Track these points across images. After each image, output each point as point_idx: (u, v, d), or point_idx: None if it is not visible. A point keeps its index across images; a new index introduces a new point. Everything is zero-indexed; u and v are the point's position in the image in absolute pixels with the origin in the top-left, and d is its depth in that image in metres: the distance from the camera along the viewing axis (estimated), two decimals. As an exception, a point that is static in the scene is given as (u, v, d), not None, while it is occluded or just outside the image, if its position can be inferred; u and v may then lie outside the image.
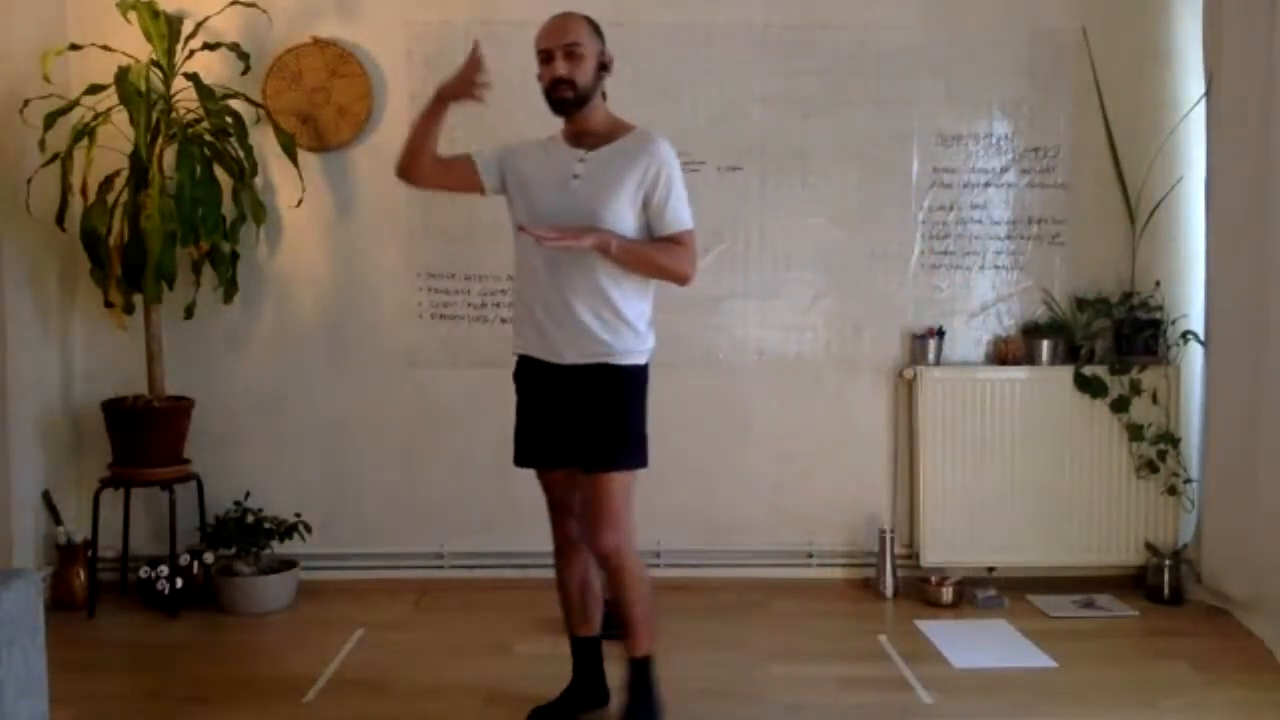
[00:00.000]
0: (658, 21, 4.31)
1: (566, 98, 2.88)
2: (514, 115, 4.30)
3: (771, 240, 4.38)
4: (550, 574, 4.28)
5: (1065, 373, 4.28)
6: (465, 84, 2.92)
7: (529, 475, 4.34)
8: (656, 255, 2.92)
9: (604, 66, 2.96)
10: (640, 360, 2.97)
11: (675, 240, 2.95)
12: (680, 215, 2.96)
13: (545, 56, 2.90)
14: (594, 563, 3.05)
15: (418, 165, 3.00)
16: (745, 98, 4.35)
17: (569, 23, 2.91)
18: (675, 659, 3.56)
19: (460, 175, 3.05)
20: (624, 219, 2.88)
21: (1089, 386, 4.26)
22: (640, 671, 3.03)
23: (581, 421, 2.92)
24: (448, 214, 4.34)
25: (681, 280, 2.99)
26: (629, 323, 2.91)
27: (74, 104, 3.93)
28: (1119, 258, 4.37)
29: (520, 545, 4.40)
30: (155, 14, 3.98)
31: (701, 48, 4.33)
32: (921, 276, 4.41)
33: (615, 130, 2.97)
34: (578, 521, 3.02)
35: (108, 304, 4.07)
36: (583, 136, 2.95)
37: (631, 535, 2.97)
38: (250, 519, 4.10)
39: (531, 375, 3.00)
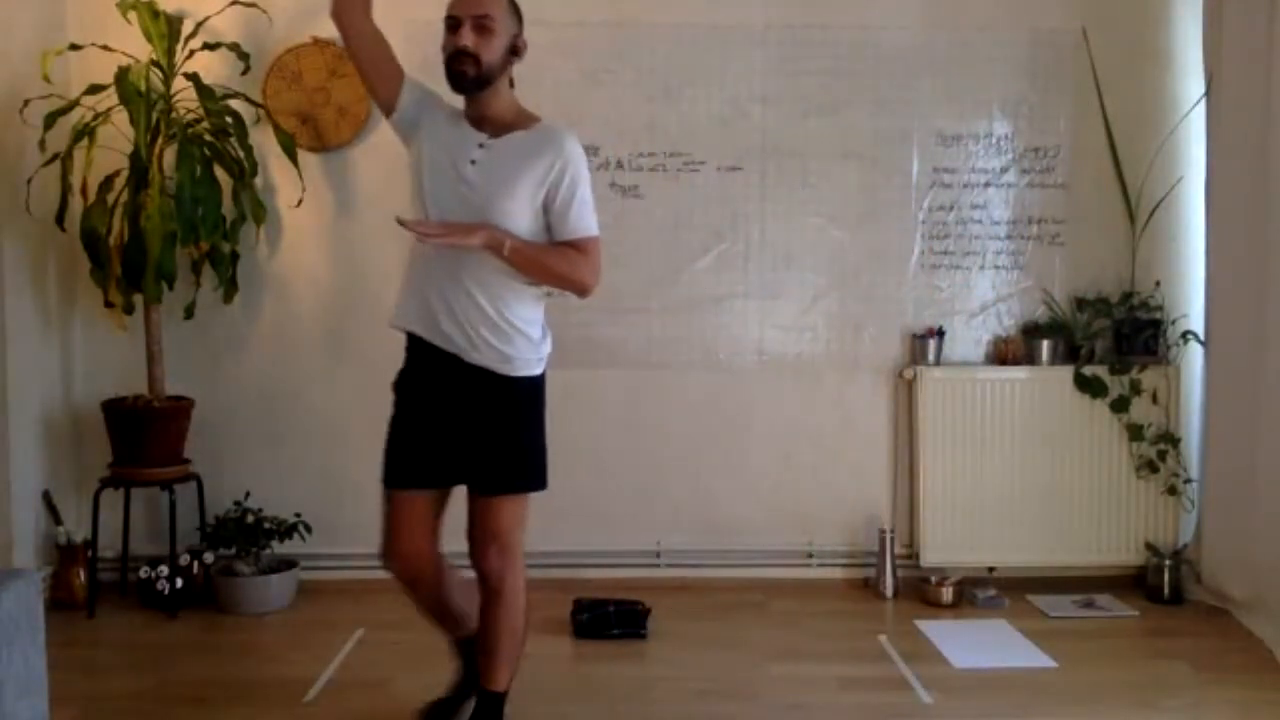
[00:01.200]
0: (658, 21, 4.31)
1: (466, 73, 2.64)
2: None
3: (771, 240, 4.38)
4: (549, 574, 4.32)
5: (1065, 373, 4.28)
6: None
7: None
8: (553, 261, 2.67)
9: (515, 51, 2.74)
10: (536, 371, 2.74)
11: (576, 247, 2.69)
12: (585, 220, 2.70)
13: (452, 23, 2.66)
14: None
15: (353, 9, 2.75)
16: (745, 98, 4.35)
17: None
18: (675, 659, 3.57)
19: (384, 70, 2.77)
20: (518, 218, 2.65)
21: (1089, 386, 4.26)
22: (492, 707, 2.84)
23: (474, 436, 2.71)
24: (448, 214, 4.34)
25: (580, 291, 2.72)
26: (521, 330, 2.70)
27: (74, 104, 3.93)
28: (1119, 258, 4.37)
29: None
30: (155, 14, 3.98)
31: (701, 48, 4.33)
32: (921, 276, 4.41)
33: (520, 120, 2.75)
34: (468, 540, 2.80)
35: (108, 304, 4.07)
36: (483, 122, 2.72)
37: (520, 561, 2.78)
38: (250, 519, 4.10)
39: (421, 366, 2.74)
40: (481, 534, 2.76)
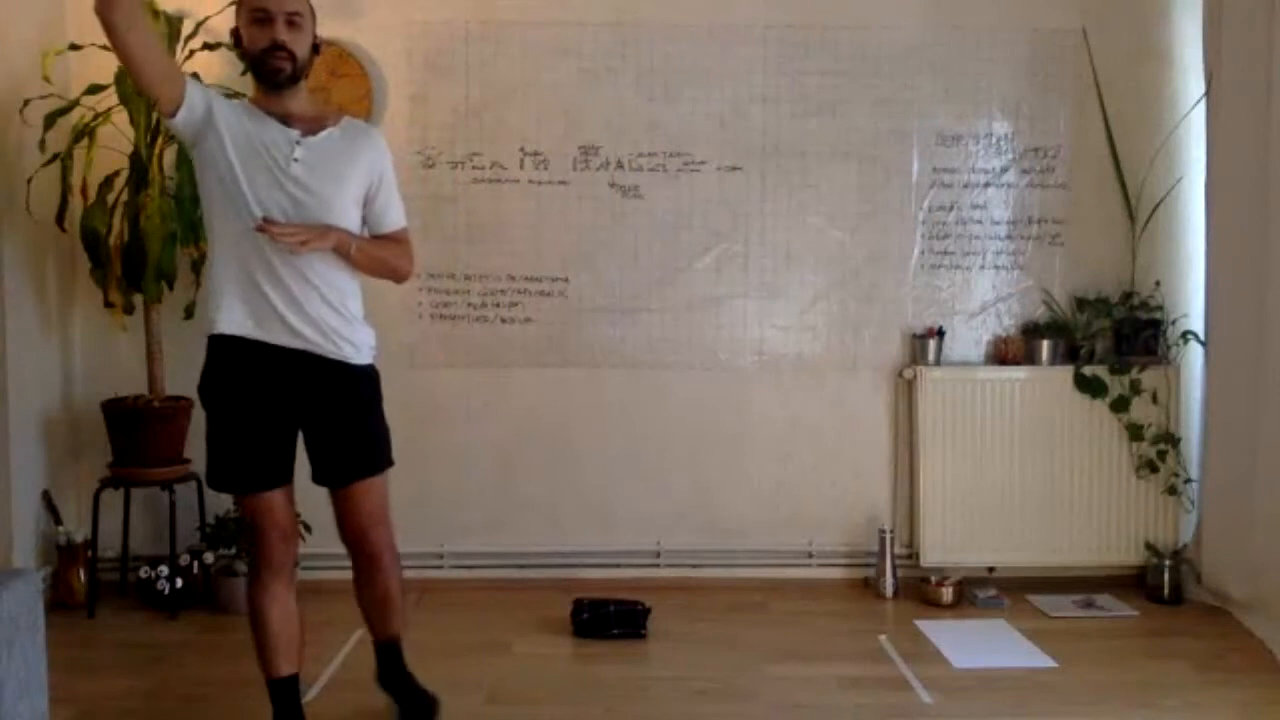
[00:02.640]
0: (658, 21, 4.31)
1: (283, 68, 2.66)
2: (509, 114, 4.32)
3: (771, 240, 4.38)
4: (549, 574, 4.33)
5: (1065, 373, 4.28)
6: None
7: (529, 475, 4.39)
8: (386, 254, 2.83)
9: (317, 49, 2.78)
10: (372, 359, 2.86)
11: (395, 239, 2.87)
12: (399, 212, 2.89)
13: (262, 17, 2.65)
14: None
15: (121, 5, 2.53)
16: (745, 98, 4.35)
17: None
18: (675, 659, 3.57)
19: (162, 67, 2.61)
20: (351, 214, 2.74)
21: (1089, 386, 4.26)
22: (400, 653, 3.05)
23: (339, 427, 2.78)
24: (447, 214, 4.34)
25: (403, 279, 2.95)
26: (360, 320, 2.81)
27: (74, 104, 3.93)
28: (1119, 258, 4.37)
29: (520, 545, 4.41)
30: (155, 14, 3.98)
31: (701, 48, 4.33)
32: (921, 276, 4.41)
33: (323, 116, 2.80)
34: (341, 530, 2.88)
35: (108, 304, 4.07)
36: (290, 119, 2.71)
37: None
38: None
39: (250, 368, 2.69)
40: (367, 517, 2.87)
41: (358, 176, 2.75)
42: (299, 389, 2.73)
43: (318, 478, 2.84)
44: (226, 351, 2.70)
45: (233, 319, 2.68)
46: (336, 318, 2.73)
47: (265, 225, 2.59)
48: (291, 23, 2.67)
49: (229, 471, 2.74)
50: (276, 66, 2.66)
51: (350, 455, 2.82)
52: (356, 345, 2.78)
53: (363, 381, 2.83)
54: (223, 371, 2.72)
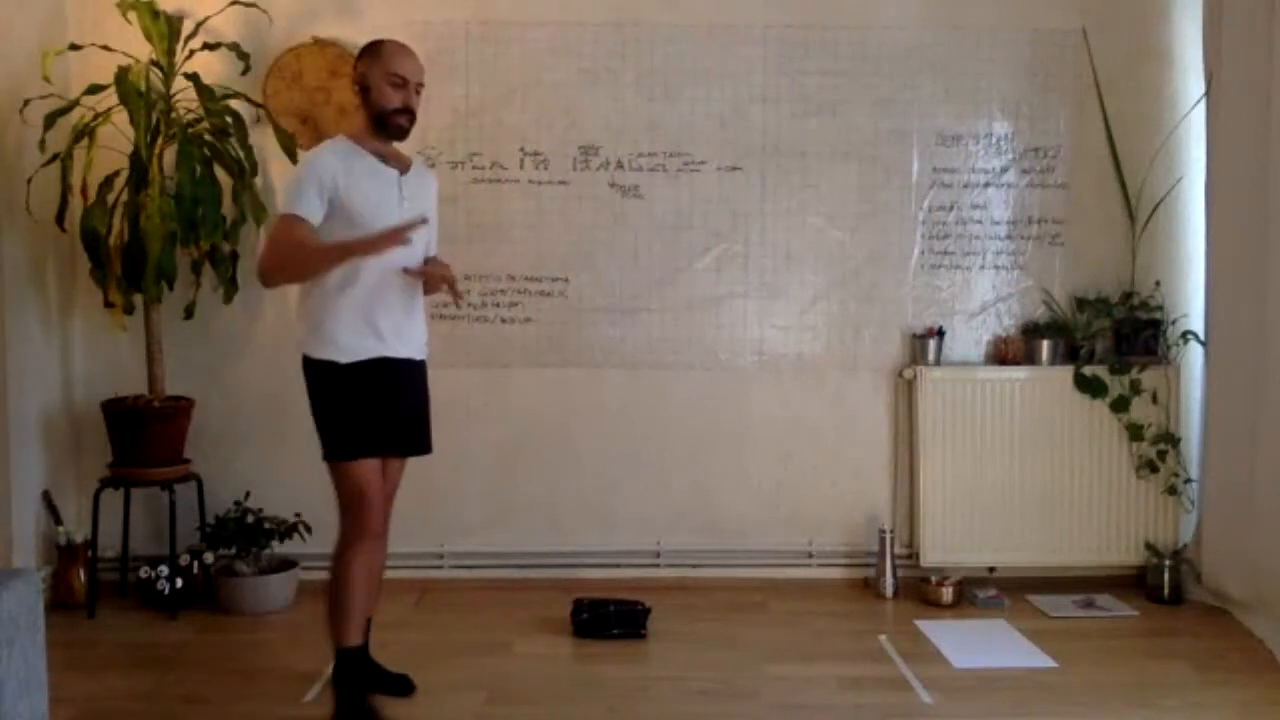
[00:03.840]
0: (658, 21, 4.32)
1: (405, 128, 3.11)
2: (509, 114, 4.33)
3: (771, 240, 4.38)
4: (549, 574, 4.33)
5: (1065, 373, 4.28)
6: (381, 245, 2.94)
7: (529, 475, 4.39)
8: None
9: None
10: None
11: (438, 258, 3.37)
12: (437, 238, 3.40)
13: (399, 82, 3.08)
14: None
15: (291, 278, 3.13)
16: (745, 98, 4.35)
17: (420, 63, 3.15)
18: (675, 659, 3.57)
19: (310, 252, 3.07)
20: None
21: (1089, 386, 4.26)
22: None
23: (418, 411, 3.25)
24: (448, 214, 4.32)
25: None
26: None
27: (74, 104, 3.94)
28: (1119, 258, 4.37)
29: (520, 545, 4.41)
30: (155, 14, 3.99)
31: (701, 48, 4.33)
32: (921, 276, 4.41)
33: (402, 155, 3.22)
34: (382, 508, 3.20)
35: (108, 304, 4.07)
36: (387, 158, 3.14)
37: None
38: (250, 519, 4.10)
39: (380, 375, 3.09)
40: (394, 489, 3.28)
41: (431, 210, 3.23)
42: (403, 384, 3.16)
43: (378, 450, 3.12)
44: (352, 371, 3.06)
45: (359, 349, 3.06)
46: (423, 332, 3.25)
47: (439, 274, 3.20)
48: (418, 90, 3.13)
49: (350, 439, 3.06)
50: (401, 125, 3.11)
51: (418, 435, 3.27)
52: (426, 348, 3.28)
53: (425, 371, 3.30)
54: (349, 382, 3.06)
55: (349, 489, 3.08)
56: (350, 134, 3.14)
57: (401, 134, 3.12)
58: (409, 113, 3.10)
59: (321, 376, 3.08)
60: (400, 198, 3.09)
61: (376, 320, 3.07)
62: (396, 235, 2.92)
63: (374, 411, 3.08)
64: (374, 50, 3.12)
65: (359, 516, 3.08)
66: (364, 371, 3.06)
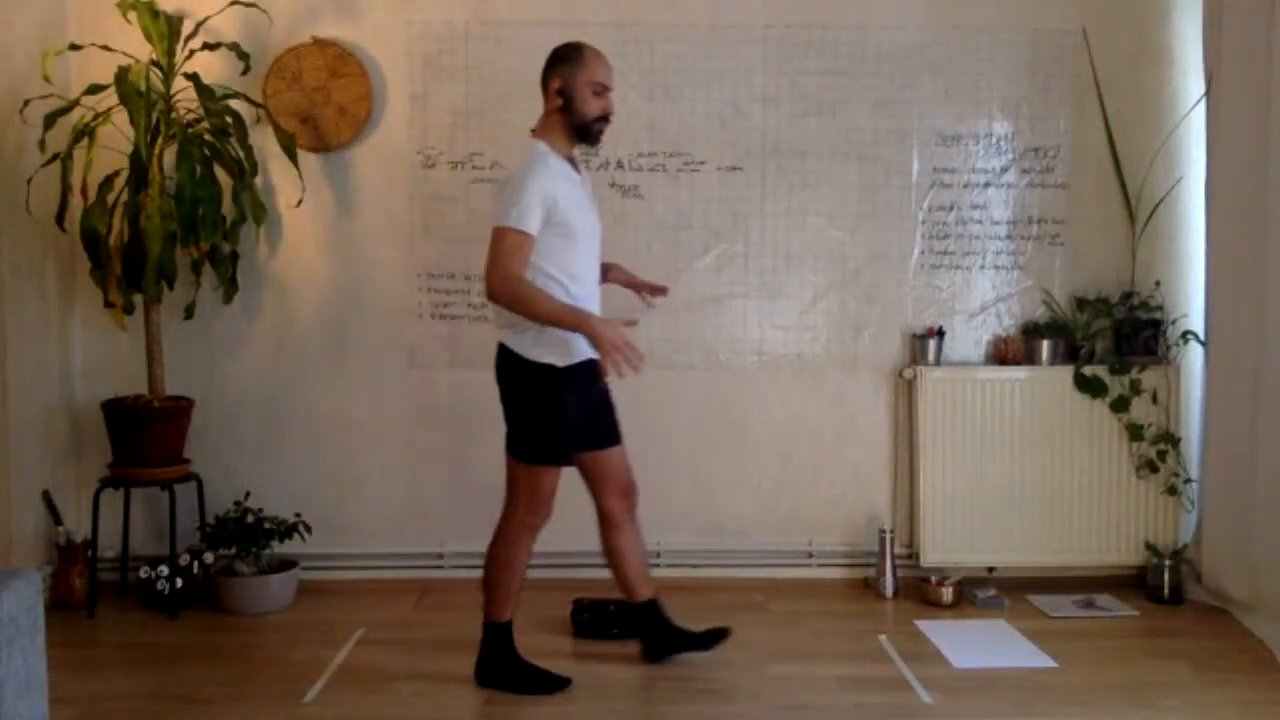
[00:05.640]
0: (658, 21, 4.32)
1: (602, 133, 3.24)
2: (509, 115, 4.32)
3: (771, 240, 4.38)
4: (549, 574, 4.32)
5: (1065, 373, 4.28)
6: (614, 348, 3.05)
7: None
8: None
9: None
10: None
11: None
12: None
13: (600, 90, 3.19)
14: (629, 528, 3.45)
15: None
16: (745, 98, 4.35)
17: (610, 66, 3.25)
18: (676, 659, 3.57)
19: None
20: None
21: (1089, 386, 4.26)
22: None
23: (609, 401, 3.40)
24: (448, 214, 4.34)
25: None
26: None
27: (74, 104, 3.93)
28: (1119, 258, 4.37)
29: (520, 545, 4.40)
30: (155, 14, 3.98)
31: (701, 48, 4.33)
32: (921, 276, 4.41)
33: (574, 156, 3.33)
34: (605, 490, 3.40)
35: (108, 304, 4.07)
36: (573, 162, 3.27)
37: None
38: (250, 519, 4.10)
39: (585, 375, 3.18)
40: (629, 473, 3.45)
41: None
42: (599, 381, 3.22)
43: (593, 444, 3.32)
44: (567, 374, 3.17)
45: (579, 349, 3.14)
46: None
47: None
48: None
49: (552, 444, 3.22)
50: (601, 131, 3.24)
51: (615, 422, 3.44)
52: None
53: None
54: (564, 385, 3.17)
55: (534, 488, 3.21)
56: (546, 139, 3.21)
57: (599, 140, 3.26)
58: (608, 119, 3.23)
59: (537, 379, 3.16)
60: (591, 203, 3.26)
61: None
62: (627, 355, 3.04)
63: (578, 414, 3.22)
64: (573, 57, 3.19)
65: (534, 511, 3.23)
66: (576, 373, 3.17)
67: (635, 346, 3.04)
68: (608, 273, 3.45)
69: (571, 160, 3.25)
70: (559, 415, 3.18)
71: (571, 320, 3.05)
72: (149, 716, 3.16)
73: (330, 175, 4.33)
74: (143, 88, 3.86)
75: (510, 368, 3.19)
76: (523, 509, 3.24)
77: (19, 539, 3.93)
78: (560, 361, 3.15)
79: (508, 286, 3.05)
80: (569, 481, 4.38)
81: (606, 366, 3.03)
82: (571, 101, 3.16)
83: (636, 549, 3.48)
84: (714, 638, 3.51)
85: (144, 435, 4.00)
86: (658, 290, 3.45)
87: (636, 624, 3.54)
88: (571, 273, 3.15)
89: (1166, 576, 4.16)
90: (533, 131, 3.29)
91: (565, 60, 3.19)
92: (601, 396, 3.34)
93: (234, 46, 4.09)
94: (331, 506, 4.36)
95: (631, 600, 3.50)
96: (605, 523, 3.46)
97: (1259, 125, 3.85)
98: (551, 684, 3.29)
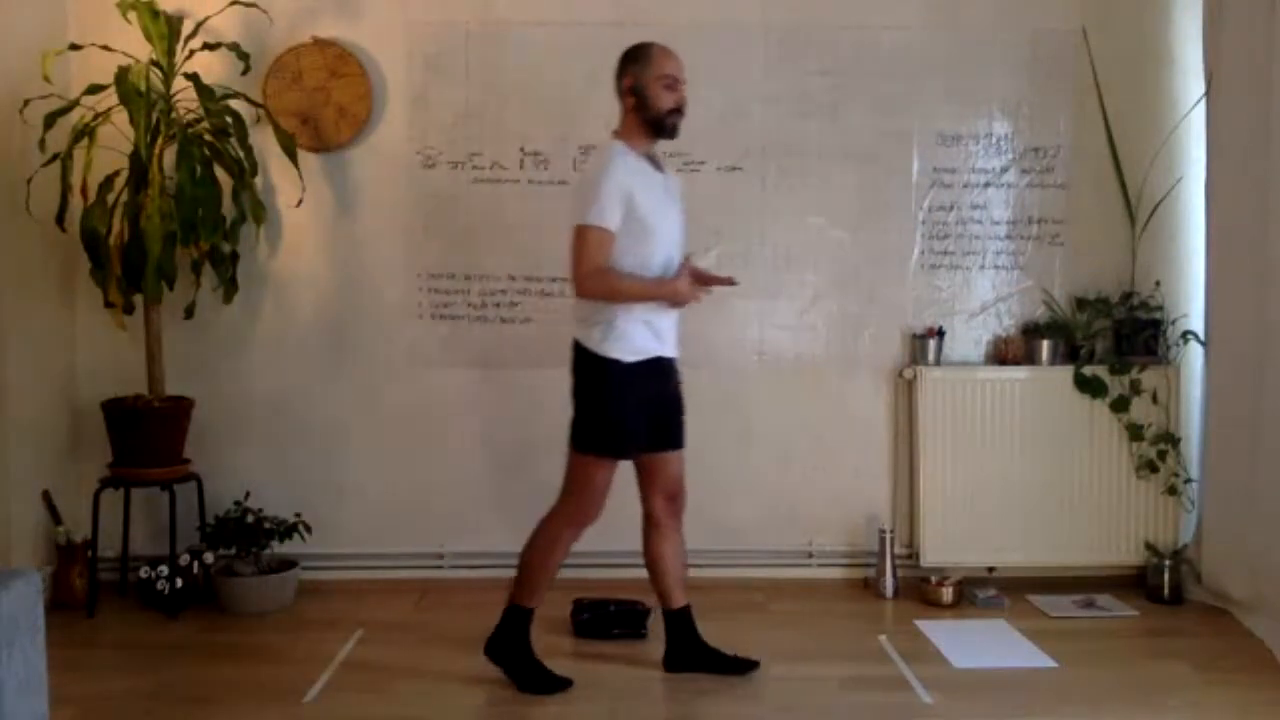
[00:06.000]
0: (658, 21, 4.30)
1: (678, 126, 3.25)
2: (509, 115, 4.33)
3: (771, 240, 4.38)
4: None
5: (1065, 373, 4.28)
6: (691, 296, 3.23)
7: (529, 475, 4.37)
8: None
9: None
10: None
11: None
12: None
13: (671, 83, 3.21)
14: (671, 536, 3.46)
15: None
16: (745, 98, 4.35)
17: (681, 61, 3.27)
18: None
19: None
20: None
21: (1089, 386, 4.26)
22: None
23: (679, 405, 3.42)
24: (448, 214, 4.34)
25: None
26: None
27: (74, 104, 3.93)
28: (1119, 258, 4.37)
29: (520, 545, 4.39)
30: (155, 14, 3.98)
31: (702, 48, 4.32)
32: (921, 276, 4.41)
33: (657, 155, 3.33)
34: (671, 497, 3.43)
35: (108, 304, 4.07)
36: (653, 159, 3.28)
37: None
38: (250, 519, 4.10)
39: (654, 373, 3.26)
40: (681, 478, 3.45)
41: (681, 208, 3.38)
42: (669, 381, 3.37)
43: (657, 445, 3.35)
44: (634, 369, 3.21)
45: (646, 346, 3.21)
46: (677, 331, 3.36)
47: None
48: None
49: (614, 437, 3.24)
50: (676, 125, 3.25)
51: (682, 426, 3.45)
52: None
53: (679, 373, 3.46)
54: (629, 380, 3.21)
55: (588, 479, 3.24)
56: (623, 139, 3.24)
57: (675, 133, 3.26)
58: (682, 111, 3.24)
59: (603, 372, 3.20)
60: (671, 199, 3.28)
61: (656, 320, 3.23)
62: (708, 284, 3.24)
63: (643, 411, 3.25)
64: (641, 56, 3.24)
65: (585, 506, 3.27)
66: (643, 370, 3.21)
67: (704, 285, 3.26)
68: (679, 270, 3.42)
69: (651, 158, 3.28)
70: (620, 408, 3.22)
71: (657, 292, 3.19)
72: (149, 716, 3.16)
73: (330, 175, 4.33)
74: (143, 88, 3.86)
75: (581, 362, 3.25)
76: (573, 502, 3.28)
77: (19, 539, 3.93)
78: (627, 357, 3.19)
79: (596, 280, 3.14)
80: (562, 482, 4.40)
81: (689, 301, 3.22)
82: (644, 98, 3.20)
83: (676, 556, 3.48)
84: (743, 665, 3.45)
85: (144, 435, 4.00)
86: (726, 281, 3.44)
87: (667, 631, 3.51)
88: (649, 268, 3.21)
89: (1166, 576, 4.16)
90: (614, 133, 3.30)
91: (635, 59, 3.24)
92: (673, 398, 3.39)
93: (234, 46, 4.09)
94: (331, 506, 4.36)
95: (664, 606, 3.49)
96: (649, 524, 3.46)
97: (1259, 125, 3.85)
98: (552, 684, 3.30)
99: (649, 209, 3.17)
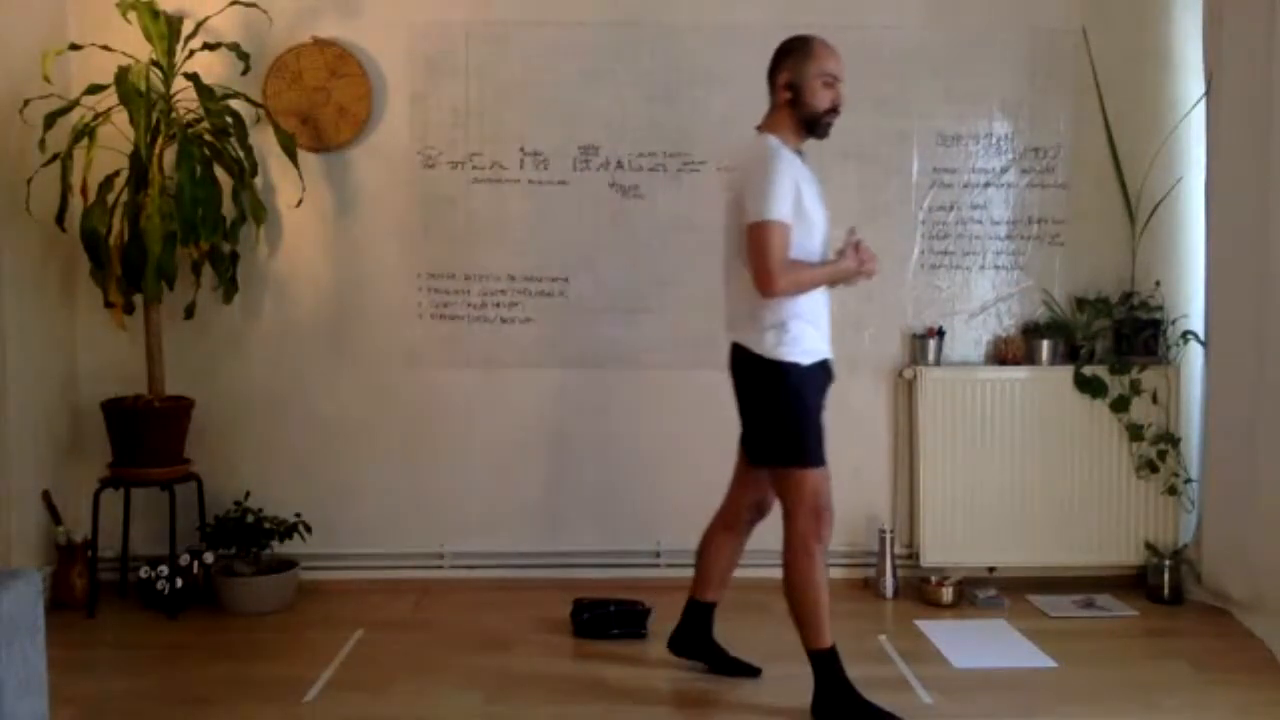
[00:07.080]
0: (659, 21, 4.31)
1: (831, 125, 3.17)
2: (509, 115, 4.33)
3: (771, 240, 4.37)
4: (549, 574, 4.33)
5: (1065, 373, 4.28)
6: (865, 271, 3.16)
7: (529, 475, 4.38)
8: None
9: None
10: None
11: None
12: None
13: (830, 81, 3.12)
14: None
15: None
16: (745, 98, 4.33)
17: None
18: (675, 659, 3.57)
19: None
20: None
21: (1089, 386, 4.26)
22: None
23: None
24: (448, 214, 4.34)
25: None
26: None
27: (74, 104, 3.93)
28: (1119, 258, 4.37)
29: (520, 545, 4.41)
30: (155, 14, 3.98)
31: (702, 48, 4.33)
32: (921, 276, 4.41)
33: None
34: (758, 505, 3.38)
35: (108, 304, 4.07)
36: (800, 155, 3.16)
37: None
38: (250, 519, 4.10)
39: (825, 376, 3.16)
40: (772, 498, 3.31)
41: None
42: (829, 384, 3.20)
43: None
44: (811, 372, 3.09)
45: (818, 348, 3.11)
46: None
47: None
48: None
49: (816, 442, 3.11)
50: (830, 124, 3.16)
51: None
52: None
53: None
54: (810, 384, 3.09)
55: (811, 493, 3.07)
56: (776, 134, 3.14)
57: (828, 134, 3.17)
58: (838, 111, 3.14)
59: (785, 379, 3.06)
60: (820, 192, 3.17)
61: (821, 320, 3.14)
62: (869, 265, 3.13)
63: (822, 413, 3.13)
64: (803, 50, 3.14)
65: (822, 522, 3.08)
66: (817, 373, 3.12)
67: (868, 256, 3.16)
68: (845, 246, 3.31)
69: (801, 154, 3.17)
70: (812, 413, 3.10)
71: (834, 275, 3.13)
72: (149, 716, 3.16)
73: (330, 175, 4.33)
74: (143, 88, 3.86)
75: (752, 370, 3.10)
76: (803, 520, 3.07)
77: (19, 539, 3.93)
78: (805, 360, 3.06)
79: (783, 275, 2.98)
80: (566, 482, 4.41)
81: (863, 276, 3.17)
82: (801, 94, 3.11)
83: (732, 557, 3.47)
84: (744, 669, 3.42)
85: (144, 435, 4.00)
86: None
87: (684, 615, 3.49)
88: (814, 261, 3.13)
89: (1166, 576, 4.16)
90: (759, 128, 3.20)
91: (793, 53, 3.15)
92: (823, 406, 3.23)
93: (234, 46, 4.09)
94: (331, 506, 4.35)
95: (694, 594, 3.47)
96: (723, 518, 3.43)
97: (1259, 125, 3.85)
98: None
99: (811, 206, 3.08)
